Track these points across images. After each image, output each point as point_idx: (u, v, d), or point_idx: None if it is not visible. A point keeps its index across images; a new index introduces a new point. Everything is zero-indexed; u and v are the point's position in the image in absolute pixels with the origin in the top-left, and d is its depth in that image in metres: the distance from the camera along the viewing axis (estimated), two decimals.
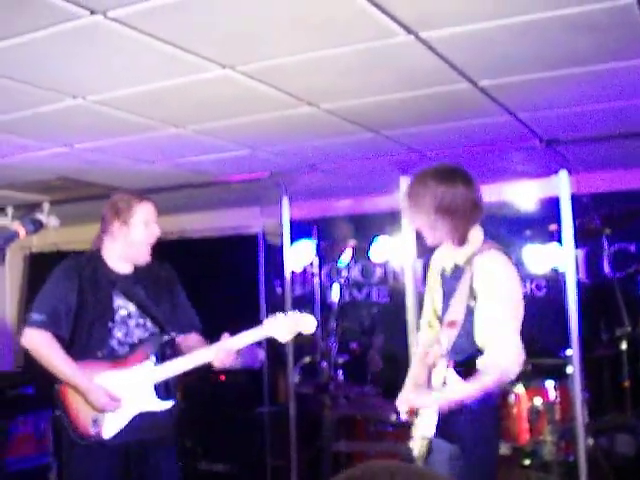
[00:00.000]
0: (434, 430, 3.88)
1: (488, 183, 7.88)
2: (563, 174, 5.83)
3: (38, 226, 3.91)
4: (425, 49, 4.22)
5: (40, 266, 10.34)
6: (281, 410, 7.49)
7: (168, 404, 4.55)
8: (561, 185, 5.81)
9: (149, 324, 4.62)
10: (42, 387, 8.49)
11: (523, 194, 7.56)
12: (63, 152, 6.27)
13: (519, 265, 8.00)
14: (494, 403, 3.91)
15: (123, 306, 4.58)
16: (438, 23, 3.88)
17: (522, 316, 3.84)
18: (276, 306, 7.96)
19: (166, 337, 4.67)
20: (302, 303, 8.87)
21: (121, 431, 4.44)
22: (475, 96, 5.15)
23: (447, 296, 4.00)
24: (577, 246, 6.13)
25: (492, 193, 7.90)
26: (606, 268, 7.69)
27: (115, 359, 4.50)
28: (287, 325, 4.63)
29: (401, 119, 5.75)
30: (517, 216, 7.78)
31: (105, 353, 4.49)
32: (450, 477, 3.80)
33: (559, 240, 6.05)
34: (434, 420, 3.88)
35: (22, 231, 3.79)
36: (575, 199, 5.98)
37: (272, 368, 8.24)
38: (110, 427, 4.42)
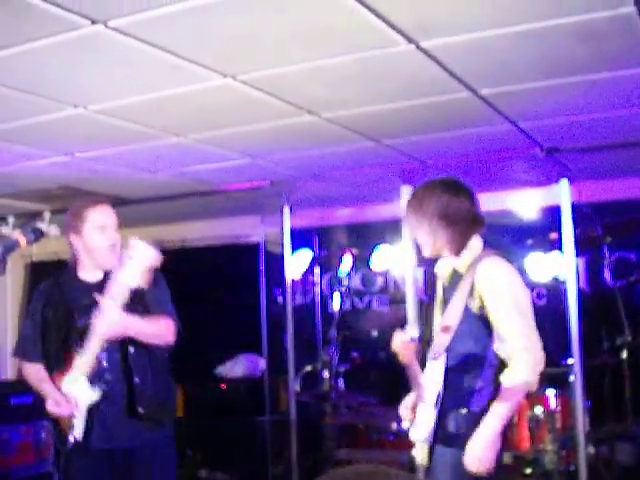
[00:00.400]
0: (431, 432, 3.89)
1: (489, 192, 7.92)
2: (564, 183, 5.83)
3: (38, 235, 3.91)
4: (426, 58, 4.22)
5: (41, 275, 10.31)
6: (282, 419, 7.48)
7: (98, 390, 4.39)
8: (562, 194, 5.81)
9: None
10: (41, 396, 8.49)
11: (524, 203, 7.55)
12: (64, 161, 6.27)
13: (521, 273, 8.08)
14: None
15: (84, 319, 4.47)
16: (438, 32, 3.89)
17: (533, 315, 3.86)
18: (277, 315, 7.97)
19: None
20: (303, 312, 8.89)
21: (102, 437, 4.43)
22: (476, 105, 5.15)
23: (447, 304, 4.01)
24: (578, 255, 6.13)
25: (493, 202, 7.93)
26: (607, 277, 7.70)
27: (62, 370, 4.51)
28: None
29: (402, 128, 5.76)
30: (518, 225, 7.77)
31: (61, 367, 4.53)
32: None
33: (560, 249, 6.05)
34: (431, 423, 3.90)
35: (22, 240, 3.79)
36: (576, 208, 5.98)
37: (273, 377, 8.23)
38: (78, 429, 4.41)
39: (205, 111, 5.12)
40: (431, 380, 3.97)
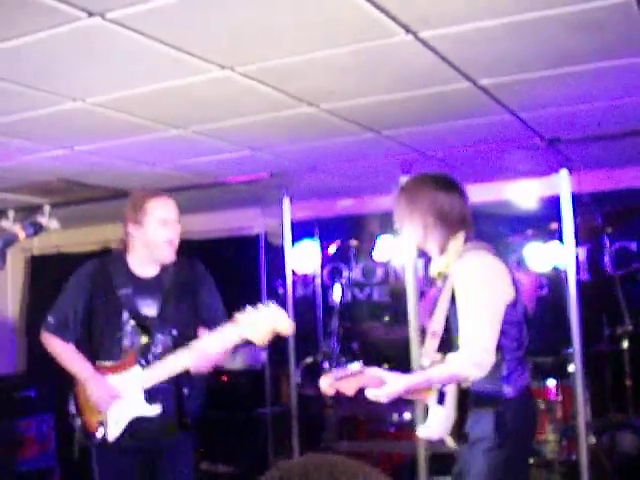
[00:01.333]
0: (445, 429, 3.89)
1: (489, 182, 7.93)
2: (564, 173, 5.82)
3: (38, 229, 3.91)
4: (424, 48, 4.21)
5: (41, 268, 10.36)
6: (283, 411, 7.49)
7: (156, 409, 4.43)
8: (562, 184, 5.81)
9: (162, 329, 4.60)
10: (45, 390, 8.50)
11: (524, 193, 7.56)
12: (63, 154, 6.26)
13: (520, 263, 8.09)
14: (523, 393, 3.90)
15: (134, 315, 4.54)
16: (437, 22, 3.88)
17: (496, 313, 3.80)
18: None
19: (160, 337, 4.55)
20: (304, 304, 8.89)
21: (127, 436, 4.43)
22: (475, 95, 5.14)
23: (436, 305, 4.02)
24: (578, 244, 6.13)
25: (493, 192, 7.96)
26: (607, 266, 7.70)
27: (111, 365, 4.50)
28: (262, 324, 4.19)
29: (401, 119, 5.75)
30: (519, 215, 7.78)
31: (110, 360, 4.51)
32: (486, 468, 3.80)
33: (560, 238, 6.05)
34: (449, 419, 3.88)
35: (22, 234, 3.79)
36: (576, 197, 5.97)
37: (274, 369, 8.24)
38: (113, 429, 4.42)
39: (204, 103, 5.11)
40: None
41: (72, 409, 4.58)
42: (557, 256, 7.08)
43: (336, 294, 8.27)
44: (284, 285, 7.41)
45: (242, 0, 3.53)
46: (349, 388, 3.73)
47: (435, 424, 3.94)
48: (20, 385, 8.75)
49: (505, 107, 5.48)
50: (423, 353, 4.06)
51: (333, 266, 9.19)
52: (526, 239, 7.57)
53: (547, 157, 6.86)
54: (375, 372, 3.73)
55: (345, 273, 9.17)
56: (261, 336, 4.22)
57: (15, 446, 8.05)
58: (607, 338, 6.96)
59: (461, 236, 4.00)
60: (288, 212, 7.01)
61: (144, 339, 4.51)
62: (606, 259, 7.68)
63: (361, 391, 3.76)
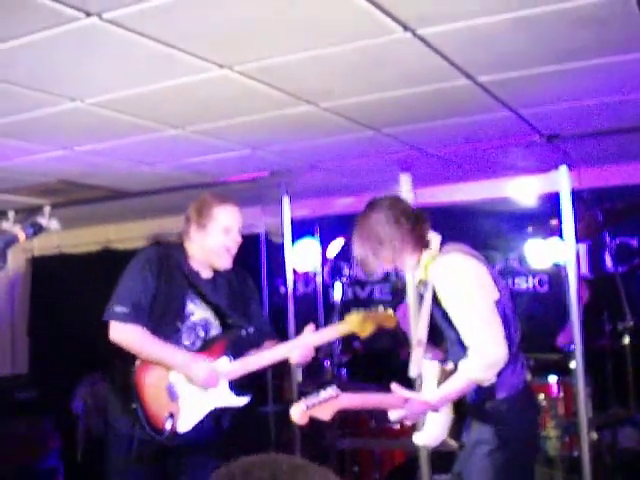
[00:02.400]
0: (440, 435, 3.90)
1: (489, 179, 7.94)
2: (563, 169, 5.82)
3: (37, 229, 3.91)
4: (423, 46, 4.21)
5: (42, 269, 10.36)
6: (285, 409, 7.47)
7: (244, 399, 4.49)
8: (562, 180, 5.80)
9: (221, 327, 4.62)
10: (47, 390, 8.52)
11: (524, 190, 7.56)
12: (63, 155, 6.27)
13: (520, 261, 8.10)
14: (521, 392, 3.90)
15: (194, 312, 4.54)
16: (435, 20, 3.88)
17: (491, 311, 3.80)
18: (279, 305, 7.97)
19: (243, 332, 4.60)
20: (305, 302, 8.89)
21: (182, 436, 4.40)
22: (474, 92, 5.14)
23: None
24: (579, 241, 6.12)
25: (493, 189, 7.96)
26: (608, 263, 7.70)
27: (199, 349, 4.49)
28: (371, 322, 4.45)
29: (401, 116, 5.75)
30: (519, 212, 7.79)
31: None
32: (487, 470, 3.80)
33: (561, 235, 6.04)
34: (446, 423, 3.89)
35: (22, 235, 3.79)
36: (576, 194, 5.97)
37: (276, 367, 8.23)
38: (185, 421, 4.37)
39: (203, 103, 5.12)
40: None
41: (133, 402, 4.40)
42: (558, 252, 7.07)
43: (337, 292, 8.26)
44: (285, 283, 7.41)
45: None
46: (324, 414, 3.76)
47: (431, 431, 3.94)
48: (22, 386, 8.77)
49: (504, 104, 5.48)
50: (411, 363, 4.06)
51: (334, 264, 9.18)
52: (526, 236, 7.56)
53: (547, 154, 6.87)
54: (398, 391, 3.78)
55: (346, 271, 9.16)
56: (367, 332, 4.45)
57: (18, 447, 8.06)
58: (608, 334, 6.96)
59: (434, 235, 3.99)
60: (288, 211, 7.00)
61: (213, 331, 4.59)
62: (607, 255, 7.69)
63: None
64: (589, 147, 6.83)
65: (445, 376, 3.87)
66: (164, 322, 4.44)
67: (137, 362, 4.44)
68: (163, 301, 4.46)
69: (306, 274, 9.17)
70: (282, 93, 4.98)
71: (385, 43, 4.14)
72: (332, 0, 3.58)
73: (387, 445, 6.89)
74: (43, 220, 4.05)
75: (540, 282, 8.31)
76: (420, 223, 4.04)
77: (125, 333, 4.38)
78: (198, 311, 4.55)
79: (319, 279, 9.02)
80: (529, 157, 7.11)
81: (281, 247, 7.27)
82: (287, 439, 7.19)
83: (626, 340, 6.78)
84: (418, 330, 4.01)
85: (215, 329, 4.59)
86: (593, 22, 3.96)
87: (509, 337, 3.85)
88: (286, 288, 7.19)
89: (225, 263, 4.59)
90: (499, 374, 3.79)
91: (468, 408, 3.86)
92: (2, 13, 3.49)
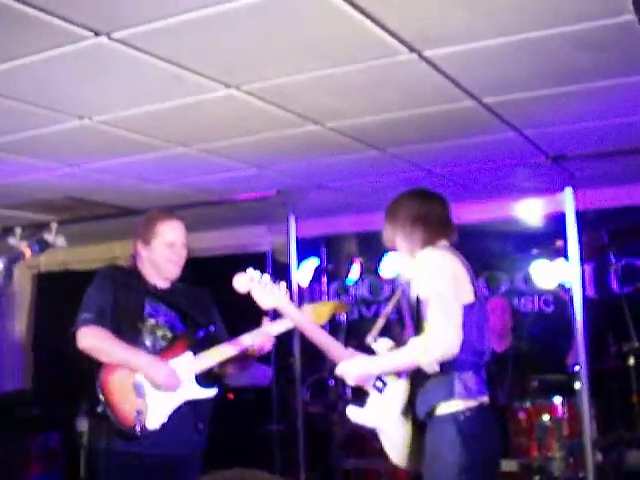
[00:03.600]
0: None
1: (495, 199, 7.94)
2: (568, 191, 5.83)
3: (43, 246, 3.92)
4: (428, 67, 4.24)
5: (48, 285, 10.37)
6: (290, 428, 7.47)
7: (212, 391, 4.54)
8: (566, 202, 5.81)
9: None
10: (51, 407, 8.51)
11: (530, 210, 7.56)
12: (70, 172, 6.29)
13: (526, 281, 8.09)
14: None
15: (154, 315, 4.60)
16: (440, 41, 3.91)
17: (460, 304, 3.81)
18: None
19: (206, 330, 4.67)
20: None
21: (159, 443, 4.41)
22: (480, 113, 5.16)
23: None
24: (584, 262, 6.12)
25: (499, 209, 7.96)
26: (614, 283, 7.70)
27: (153, 353, 4.51)
28: (326, 311, 4.77)
29: (406, 137, 5.77)
30: (524, 232, 7.79)
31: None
32: None
33: (566, 256, 6.05)
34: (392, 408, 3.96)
35: (27, 252, 3.80)
36: (582, 215, 5.98)
37: (281, 386, 8.23)
38: (154, 418, 4.39)
39: (210, 121, 5.15)
40: None
41: (99, 405, 4.40)
42: (564, 273, 7.06)
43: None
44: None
45: (246, 19, 3.56)
46: (265, 301, 4.12)
47: (371, 411, 4.01)
48: (27, 402, 8.77)
49: (509, 125, 5.50)
50: (372, 331, 4.19)
51: (340, 283, 9.19)
52: (532, 256, 7.56)
53: (552, 174, 6.87)
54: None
55: (352, 290, 9.17)
56: (323, 319, 4.72)
57: (22, 463, 8.06)
58: (614, 355, 6.95)
59: (442, 243, 4.04)
60: (293, 230, 7.02)
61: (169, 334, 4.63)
62: (612, 276, 7.69)
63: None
64: (594, 168, 6.83)
65: None
66: (125, 325, 4.51)
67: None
68: (122, 307, 4.55)
69: (312, 293, 9.18)
70: (288, 113, 5.01)
71: (391, 64, 4.17)
72: (338, 21, 3.60)
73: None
74: (49, 237, 4.06)
75: (546, 302, 8.31)
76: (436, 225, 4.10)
77: (90, 336, 4.45)
78: (159, 313, 4.63)
79: (325, 299, 9.03)
80: (534, 178, 7.12)
81: (287, 266, 7.28)
82: (292, 458, 7.19)
83: (631, 361, 6.76)
84: (407, 330, 4.08)
85: (179, 329, 4.66)
86: (596, 45, 3.98)
87: (477, 346, 3.88)
88: None
89: (173, 273, 4.70)
90: (461, 374, 3.82)
91: (424, 410, 3.89)
92: (11, 31, 3.53)
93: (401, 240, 4.11)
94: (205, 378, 4.54)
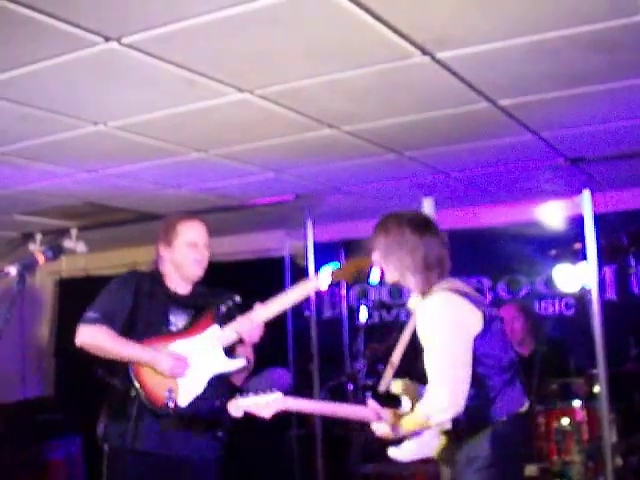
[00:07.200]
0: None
1: (513, 202, 7.91)
2: (586, 194, 5.80)
3: (57, 252, 3.91)
4: (442, 69, 4.23)
5: (70, 291, 10.41)
6: (309, 433, 7.46)
7: (239, 362, 4.57)
8: (584, 205, 5.78)
9: None
10: (73, 413, 8.53)
11: (549, 213, 7.52)
12: (88, 178, 6.32)
13: (547, 285, 8.04)
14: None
15: (177, 322, 4.61)
16: (453, 44, 3.89)
17: (469, 358, 3.74)
18: (305, 329, 7.96)
19: (228, 303, 4.73)
20: (332, 325, 8.89)
21: (174, 443, 4.46)
22: (496, 115, 5.14)
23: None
24: (604, 264, 6.08)
25: (518, 212, 7.93)
26: (634, 286, 7.65)
27: (177, 332, 4.56)
28: (348, 269, 4.82)
29: (423, 140, 5.76)
30: (544, 235, 7.74)
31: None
32: None
33: (585, 258, 6.02)
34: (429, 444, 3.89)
35: (41, 258, 3.80)
36: (602, 217, 5.94)
37: (299, 391, 8.22)
38: (185, 395, 4.45)
39: (224, 126, 5.15)
40: None
41: (133, 389, 4.45)
42: (585, 276, 7.02)
43: (362, 316, 8.24)
44: (309, 307, 7.41)
45: (258, 24, 3.56)
46: (264, 413, 3.81)
47: (409, 447, 3.94)
48: (48, 408, 8.79)
49: (526, 127, 5.48)
50: (382, 380, 4.08)
51: (360, 287, 9.17)
52: (552, 260, 7.51)
53: (571, 177, 6.84)
54: (371, 404, 3.83)
55: (372, 295, 9.15)
56: (350, 278, 4.88)
57: (43, 468, 8.09)
58: (634, 358, 6.90)
59: (437, 279, 3.96)
60: (311, 234, 7.01)
61: None
62: (633, 279, 7.63)
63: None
64: (614, 170, 6.80)
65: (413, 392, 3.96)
66: (147, 333, 4.53)
67: None
68: (145, 313, 4.57)
69: (332, 298, 9.18)
70: (303, 117, 5.01)
71: (404, 67, 4.16)
72: (351, 25, 3.60)
73: (410, 470, 6.85)
74: (70, 243, 4.06)
75: (567, 306, 8.26)
76: (433, 252, 4.01)
77: (90, 333, 4.47)
78: (182, 319, 4.63)
79: (345, 303, 9.03)
80: (553, 180, 7.09)
81: (306, 270, 7.27)
82: (310, 464, 7.17)
83: None
84: (395, 353, 4.04)
85: None
86: (609, 46, 3.96)
87: (503, 363, 3.84)
88: (310, 312, 7.19)
89: (197, 272, 4.69)
90: (495, 397, 3.78)
91: (465, 432, 3.84)
92: (22, 38, 3.55)
93: (392, 272, 4.03)
94: (232, 351, 4.59)
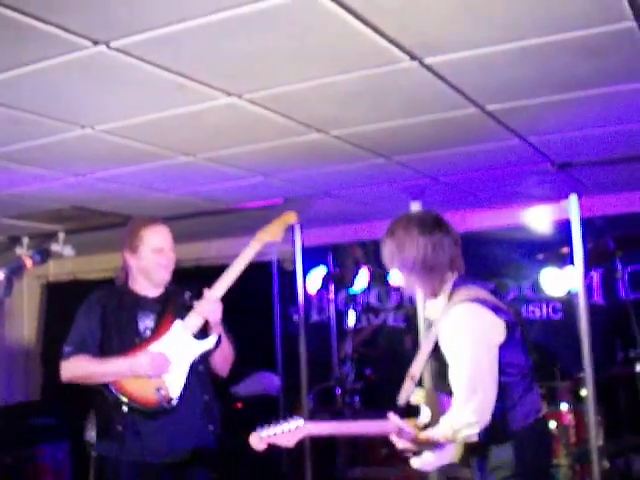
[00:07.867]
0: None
1: (501, 206, 7.94)
2: (573, 198, 5.82)
3: (45, 256, 3.92)
4: (430, 74, 4.23)
5: (57, 295, 10.40)
6: None
7: (211, 339, 4.58)
8: (571, 209, 5.81)
9: None
10: (60, 417, 8.52)
11: (537, 218, 7.55)
12: (76, 182, 6.30)
13: (534, 289, 8.07)
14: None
15: (149, 327, 4.63)
16: (440, 49, 3.90)
17: (495, 371, 3.70)
18: (293, 333, 7.97)
19: (184, 296, 4.75)
20: (319, 329, 8.90)
21: (167, 449, 4.48)
22: (483, 120, 5.15)
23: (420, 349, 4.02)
24: (591, 269, 6.10)
25: (505, 216, 7.96)
26: (621, 290, 7.68)
27: (147, 339, 4.58)
28: (275, 227, 5.23)
29: (411, 144, 5.76)
30: (532, 239, 7.77)
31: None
32: None
33: (572, 263, 6.04)
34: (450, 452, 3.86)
35: (29, 262, 3.80)
36: (588, 221, 5.97)
37: (288, 395, 8.23)
38: (175, 388, 4.49)
39: (213, 130, 5.15)
40: None
41: (124, 404, 4.49)
42: (572, 280, 7.05)
43: (350, 320, 8.25)
44: (298, 311, 7.41)
45: (247, 28, 3.56)
46: (287, 442, 3.85)
47: (428, 456, 3.90)
48: (35, 412, 8.78)
49: (514, 132, 5.49)
50: (401, 393, 4.03)
51: (347, 291, 9.18)
52: (539, 264, 7.54)
53: (558, 182, 6.86)
54: (392, 419, 3.75)
55: (360, 299, 9.16)
56: (278, 235, 5.28)
57: (31, 473, 8.07)
58: (621, 361, 6.93)
59: (450, 279, 3.93)
60: (299, 239, 7.01)
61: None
62: (619, 283, 7.66)
63: None
64: (601, 175, 6.82)
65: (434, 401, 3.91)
66: (123, 343, 4.57)
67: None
68: (114, 328, 4.62)
69: (321, 301, 9.18)
70: (292, 121, 5.01)
71: (392, 72, 4.17)
72: (340, 30, 3.60)
73: (400, 473, 6.85)
74: (57, 246, 4.06)
75: (554, 309, 8.29)
76: (443, 256, 3.98)
77: (70, 367, 4.60)
78: (151, 320, 4.66)
79: (333, 307, 9.03)
80: (540, 184, 7.11)
81: (294, 275, 7.28)
82: (298, 467, 7.17)
83: (638, 368, 6.74)
84: (415, 364, 3.99)
85: None
86: (597, 52, 3.97)
87: (522, 370, 3.82)
88: (299, 315, 7.20)
89: (164, 277, 4.73)
90: (513, 406, 3.76)
91: (484, 436, 3.82)
92: (10, 42, 3.54)
93: (404, 275, 4.01)
94: (201, 332, 4.61)
